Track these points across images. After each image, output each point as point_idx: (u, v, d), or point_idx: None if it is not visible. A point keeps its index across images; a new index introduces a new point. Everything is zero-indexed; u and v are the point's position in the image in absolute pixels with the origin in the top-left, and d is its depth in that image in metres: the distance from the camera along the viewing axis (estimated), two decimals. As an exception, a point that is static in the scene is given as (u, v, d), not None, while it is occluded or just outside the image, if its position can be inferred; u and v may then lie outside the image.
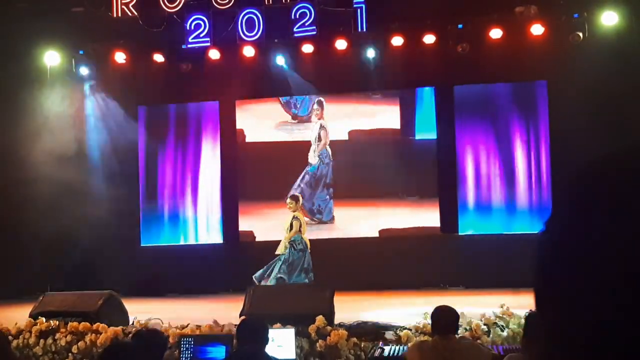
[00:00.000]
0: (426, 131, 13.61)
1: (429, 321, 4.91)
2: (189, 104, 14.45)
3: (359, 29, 12.39)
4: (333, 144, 13.85)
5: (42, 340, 8.01)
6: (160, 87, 13.82)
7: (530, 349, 4.05)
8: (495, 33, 12.50)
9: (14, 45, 13.06)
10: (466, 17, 12.66)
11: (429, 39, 12.73)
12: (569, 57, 12.10)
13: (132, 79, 13.67)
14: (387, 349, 6.72)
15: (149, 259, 13.81)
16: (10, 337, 7.67)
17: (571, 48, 12.15)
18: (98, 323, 8.01)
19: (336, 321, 7.74)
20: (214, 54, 13.17)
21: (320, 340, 7.21)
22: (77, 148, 13.66)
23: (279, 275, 10.43)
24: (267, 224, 13.53)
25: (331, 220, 13.78)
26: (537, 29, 12.26)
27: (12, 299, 11.92)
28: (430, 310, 4.86)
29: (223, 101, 14.24)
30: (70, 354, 7.87)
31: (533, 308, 0.72)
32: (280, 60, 13.34)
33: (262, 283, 10.35)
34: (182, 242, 14.31)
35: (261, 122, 14.18)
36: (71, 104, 13.78)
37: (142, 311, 8.77)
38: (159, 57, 13.46)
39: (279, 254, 10.56)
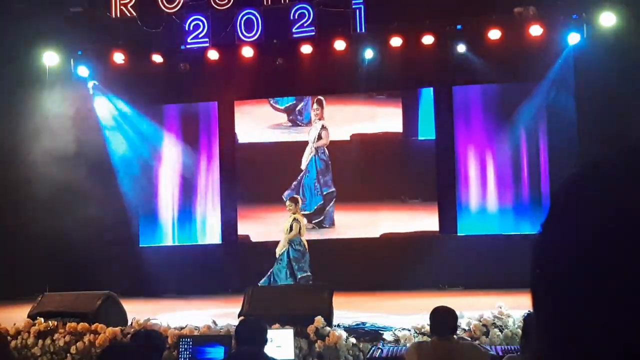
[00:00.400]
0: (428, 132, 13.60)
1: (428, 322, 4.90)
2: (187, 104, 14.44)
3: (358, 30, 12.39)
4: (334, 145, 13.80)
5: (40, 341, 8.01)
6: (159, 87, 13.83)
7: (528, 349, 4.05)
8: (494, 34, 12.50)
9: (13, 45, 13.05)
10: (465, 18, 12.67)
11: (428, 39, 12.72)
12: (568, 57, 12.11)
13: (131, 80, 13.66)
14: (385, 349, 6.72)
15: (148, 260, 13.80)
16: (8, 338, 7.66)
17: (570, 48, 12.17)
18: (96, 323, 8.00)
19: (335, 322, 7.75)
20: (213, 55, 13.16)
21: (319, 341, 7.21)
22: (76, 148, 13.64)
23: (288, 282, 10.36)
24: (263, 228, 13.52)
25: (331, 225, 13.75)
26: (535, 30, 12.27)
27: (10, 299, 11.91)
28: (429, 310, 4.86)
29: (222, 102, 14.24)
30: (68, 355, 7.86)
31: (531, 309, 0.72)
32: (279, 60, 13.33)
33: None
34: (180, 243, 14.30)
35: (256, 123, 14.15)
36: (70, 104, 13.76)
37: (140, 312, 8.76)
38: (157, 58, 13.45)
39: (278, 255, 10.52)
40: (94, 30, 13.08)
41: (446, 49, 12.81)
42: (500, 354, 5.85)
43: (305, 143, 13.89)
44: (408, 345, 6.01)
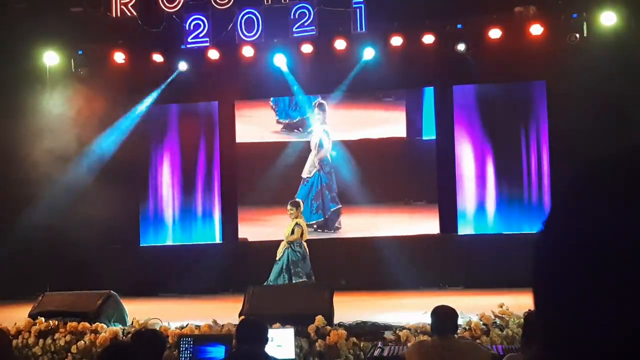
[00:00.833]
0: (432, 131, 13.59)
1: (428, 321, 4.90)
2: (188, 104, 14.44)
3: (358, 29, 12.39)
4: (336, 148, 13.79)
5: (41, 340, 8.01)
6: (160, 87, 13.84)
7: (529, 348, 4.05)
8: (495, 33, 12.50)
9: (13, 45, 13.05)
10: (465, 17, 12.67)
11: (428, 39, 12.72)
12: (568, 57, 12.11)
13: (131, 79, 13.66)
14: (386, 348, 6.73)
15: (149, 259, 13.81)
16: (10, 337, 7.67)
17: (570, 48, 12.16)
18: (97, 323, 8.01)
19: (335, 321, 7.75)
20: (213, 54, 13.17)
21: (319, 340, 7.21)
22: (76, 148, 13.65)
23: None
24: (263, 230, 13.52)
25: (335, 230, 13.74)
26: (536, 29, 12.27)
27: (11, 298, 11.92)
28: (430, 310, 4.87)
29: (222, 101, 14.24)
30: (69, 354, 7.87)
31: (532, 308, 0.72)
32: (279, 60, 13.31)
33: None
34: (181, 242, 14.29)
35: (256, 127, 14.14)
36: (70, 104, 13.76)
37: (141, 311, 8.77)
38: (158, 57, 13.46)
39: (279, 258, 10.44)
40: (95, 30, 13.07)
41: (446, 49, 12.81)
42: (501, 353, 5.85)
43: (307, 144, 13.88)
44: (409, 344, 6.02)
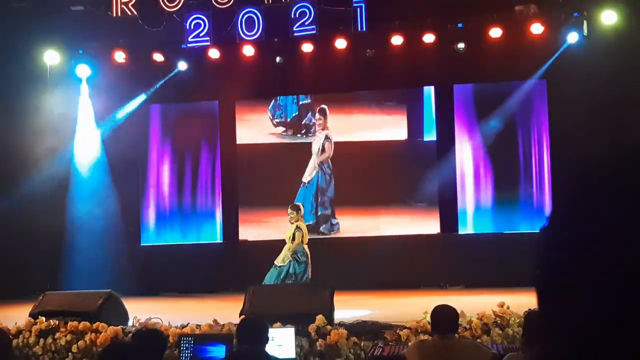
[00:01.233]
0: (431, 133, 13.58)
1: (429, 320, 4.90)
2: (188, 103, 14.44)
3: (359, 28, 12.38)
4: (337, 150, 13.75)
5: (41, 340, 8.01)
6: (160, 86, 13.83)
7: (529, 347, 4.05)
8: (495, 32, 12.50)
9: (14, 44, 13.06)
10: (466, 16, 12.66)
11: (429, 38, 12.72)
12: (569, 56, 12.11)
13: (132, 79, 13.66)
14: (387, 348, 6.72)
15: (149, 259, 13.82)
16: (9, 337, 7.67)
17: (570, 46, 12.17)
18: (98, 322, 8.01)
19: (336, 320, 7.75)
20: (214, 54, 13.17)
21: (320, 340, 7.21)
22: (76, 147, 13.66)
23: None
24: (263, 232, 13.51)
25: (331, 231, 13.73)
26: (536, 28, 12.26)
27: (11, 298, 11.92)
28: (430, 309, 4.86)
29: (222, 100, 14.24)
30: (70, 354, 7.87)
31: (532, 307, 0.72)
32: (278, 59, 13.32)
33: None
34: (182, 242, 14.29)
35: (257, 130, 14.15)
36: (71, 103, 13.77)
37: (141, 310, 8.77)
38: (158, 57, 13.46)
39: (279, 265, 10.39)
40: (95, 29, 13.07)
41: (447, 48, 12.80)
42: (502, 352, 5.84)
43: (308, 145, 13.87)
44: (409, 344, 6.01)
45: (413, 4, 12.34)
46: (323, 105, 13.86)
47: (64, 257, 13.08)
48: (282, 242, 10.52)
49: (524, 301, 4.87)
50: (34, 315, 8.37)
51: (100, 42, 13.45)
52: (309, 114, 14.00)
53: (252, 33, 12.64)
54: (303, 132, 14.00)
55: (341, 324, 7.59)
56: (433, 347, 4.60)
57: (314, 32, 12.48)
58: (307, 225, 10.76)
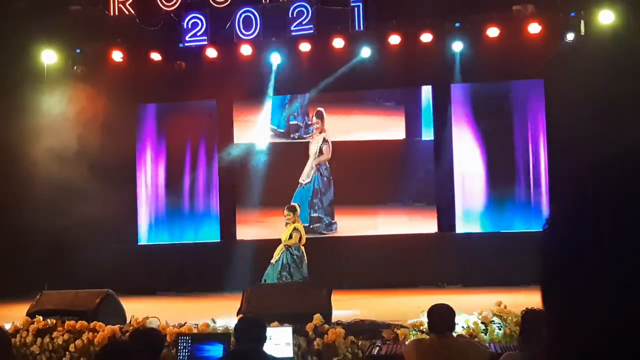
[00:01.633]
0: (429, 132, 13.58)
1: (426, 319, 4.90)
2: (186, 102, 14.42)
3: (356, 28, 12.39)
4: (335, 150, 13.74)
5: (39, 339, 8.01)
6: (158, 86, 13.82)
7: (527, 347, 4.05)
8: (493, 31, 12.51)
9: (11, 43, 13.04)
10: (463, 16, 12.67)
11: (427, 37, 12.73)
12: (566, 55, 12.11)
13: (130, 78, 13.64)
14: (384, 347, 6.73)
15: (147, 258, 13.80)
16: (9, 336, 7.65)
17: (567, 46, 12.18)
18: (95, 322, 8.00)
19: (333, 319, 7.75)
20: (211, 53, 13.16)
21: (317, 339, 7.21)
22: (74, 147, 13.64)
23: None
24: (260, 232, 13.50)
25: (329, 231, 13.73)
26: (534, 28, 12.27)
27: (9, 297, 11.91)
28: (428, 308, 4.86)
29: (220, 100, 14.23)
30: (67, 353, 7.86)
31: (530, 306, 0.72)
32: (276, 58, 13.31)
33: None
34: (179, 241, 14.28)
35: (256, 131, 14.16)
36: (68, 102, 13.75)
37: (139, 310, 8.76)
38: (156, 56, 13.45)
39: (275, 262, 10.38)
40: (93, 29, 13.06)
41: (445, 47, 12.81)
42: (499, 351, 5.85)
43: (306, 145, 13.86)
44: (406, 342, 6.02)
45: (410, 3, 12.35)
46: (320, 108, 13.85)
47: (61, 256, 13.07)
48: (279, 242, 10.53)
49: (521, 300, 4.88)
50: (31, 314, 8.36)
51: (97, 41, 13.43)
52: (306, 116, 13.98)
53: (249, 32, 12.65)
54: (301, 132, 13.98)
55: (339, 323, 7.59)
56: (430, 346, 4.60)
57: (311, 31, 12.48)
58: (304, 227, 10.76)
